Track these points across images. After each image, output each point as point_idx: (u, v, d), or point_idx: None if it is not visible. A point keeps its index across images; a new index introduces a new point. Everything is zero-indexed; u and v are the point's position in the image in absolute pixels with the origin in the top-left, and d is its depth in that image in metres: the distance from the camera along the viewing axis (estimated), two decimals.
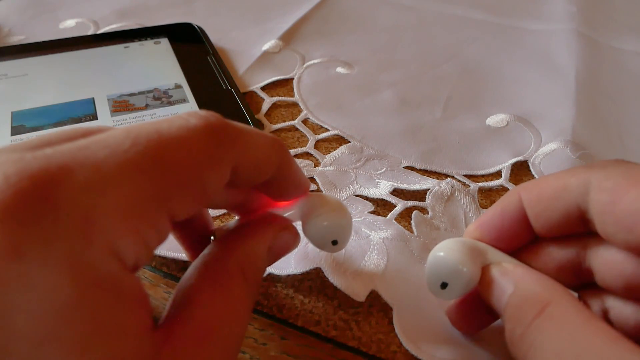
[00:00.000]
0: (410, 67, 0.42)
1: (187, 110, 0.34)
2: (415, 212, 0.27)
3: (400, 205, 0.28)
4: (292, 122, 0.35)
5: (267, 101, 0.37)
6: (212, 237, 0.21)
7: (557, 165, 0.31)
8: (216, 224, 0.26)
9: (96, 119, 0.33)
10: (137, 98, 0.35)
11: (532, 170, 0.31)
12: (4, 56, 0.38)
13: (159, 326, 0.14)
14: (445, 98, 0.38)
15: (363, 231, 0.26)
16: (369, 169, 0.31)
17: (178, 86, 0.36)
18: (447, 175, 0.31)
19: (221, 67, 0.38)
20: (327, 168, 0.31)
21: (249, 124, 0.33)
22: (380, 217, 0.27)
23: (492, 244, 0.19)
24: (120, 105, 0.34)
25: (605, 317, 0.18)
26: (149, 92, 0.36)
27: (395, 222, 0.27)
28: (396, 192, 0.29)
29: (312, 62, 0.41)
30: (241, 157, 0.16)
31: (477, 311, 0.20)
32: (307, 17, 0.48)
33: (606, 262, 0.17)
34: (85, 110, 0.34)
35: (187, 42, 0.42)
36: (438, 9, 0.51)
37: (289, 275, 0.23)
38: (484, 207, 0.29)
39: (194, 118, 0.15)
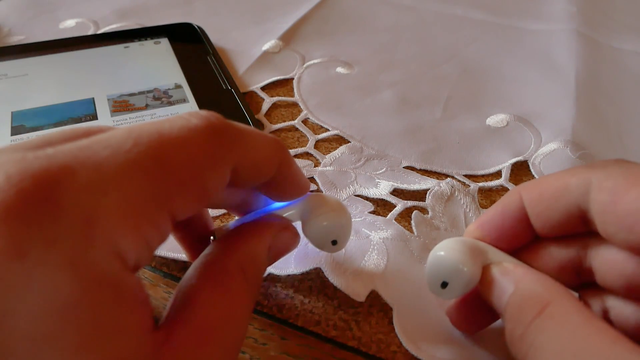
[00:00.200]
0: (410, 67, 0.42)
1: (187, 110, 0.34)
2: (415, 212, 0.27)
3: (400, 205, 0.28)
4: (292, 122, 0.35)
5: (267, 101, 0.37)
6: (212, 237, 0.21)
7: (557, 165, 0.31)
8: (216, 224, 0.26)
9: (96, 119, 0.33)
10: (137, 98, 0.35)
11: (532, 170, 0.31)
12: (4, 56, 0.38)
13: (160, 326, 0.14)
14: (445, 98, 0.38)
15: (363, 231, 0.26)
16: (369, 169, 0.31)
17: (178, 86, 0.36)
18: (447, 175, 0.31)
19: (221, 67, 0.38)
20: (327, 168, 0.31)
21: (249, 124, 0.33)
22: (380, 217, 0.27)
23: (492, 244, 0.19)
24: (120, 105, 0.34)
25: (606, 316, 0.18)
26: (149, 92, 0.36)
27: (395, 222, 0.27)
28: (396, 192, 0.29)
29: (312, 62, 0.41)
30: (242, 158, 0.16)
31: (477, 311, 0.20)
32: (307, 17, 0.48)
33: (607, 261, 0.17)
34: (85, 110, 0.34)
35: (187, 42, 0.42)
36: (438, 9, 0.51)
37: (289, 275, 0.23)
38: (484, 207, 0.29)
39: (195, 118, 0.15)
